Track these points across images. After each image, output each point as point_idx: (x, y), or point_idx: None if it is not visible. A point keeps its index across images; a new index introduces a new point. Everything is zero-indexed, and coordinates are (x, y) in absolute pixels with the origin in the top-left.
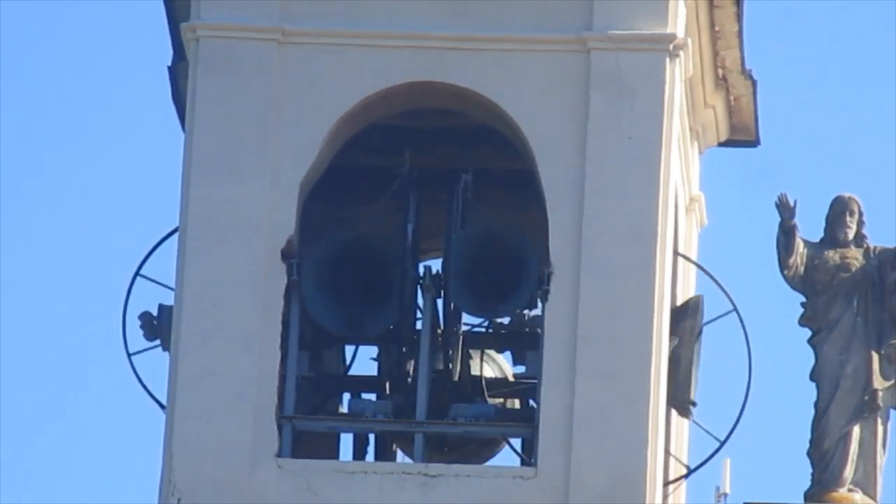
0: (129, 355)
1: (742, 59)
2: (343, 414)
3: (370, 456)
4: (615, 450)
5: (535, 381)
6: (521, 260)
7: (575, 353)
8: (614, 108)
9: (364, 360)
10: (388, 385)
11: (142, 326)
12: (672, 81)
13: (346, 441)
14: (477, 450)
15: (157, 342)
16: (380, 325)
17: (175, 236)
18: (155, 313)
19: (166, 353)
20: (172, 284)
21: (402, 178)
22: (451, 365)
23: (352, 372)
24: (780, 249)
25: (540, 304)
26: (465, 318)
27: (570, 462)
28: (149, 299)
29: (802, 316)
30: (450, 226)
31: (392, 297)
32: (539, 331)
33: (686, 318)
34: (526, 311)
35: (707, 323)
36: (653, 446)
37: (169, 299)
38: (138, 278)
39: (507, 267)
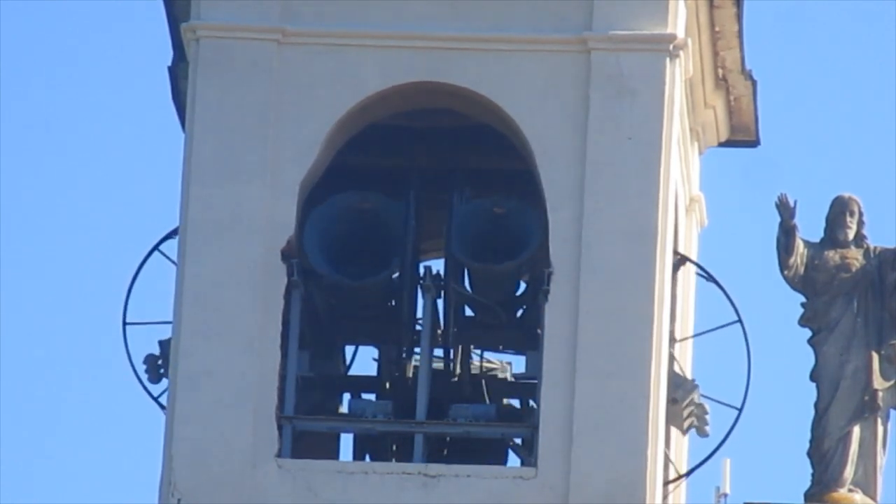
0: (124, 324)
1: (742, 59)
2: (343, 414)
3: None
4: (615, 450)
5: (535, 380)
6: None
7: (575, 353)
8: (614, 108)
9: (364, 360)
10: (388, 385)
11: (147, 370)
12: (672, 81)
13: (346, 441)
14: (476, 450)
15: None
16: (379, 276)
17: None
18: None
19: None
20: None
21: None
22: (451, 365)
23: (352, 372)
24: (780, 250)
25: (540, 304)
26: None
27: (570, 462)
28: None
29: (802, 316)
30: (450, 225)
31: (392, 259)
32: (539, 331)
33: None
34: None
35: (710, 331)
36: (653, 446)
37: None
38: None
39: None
